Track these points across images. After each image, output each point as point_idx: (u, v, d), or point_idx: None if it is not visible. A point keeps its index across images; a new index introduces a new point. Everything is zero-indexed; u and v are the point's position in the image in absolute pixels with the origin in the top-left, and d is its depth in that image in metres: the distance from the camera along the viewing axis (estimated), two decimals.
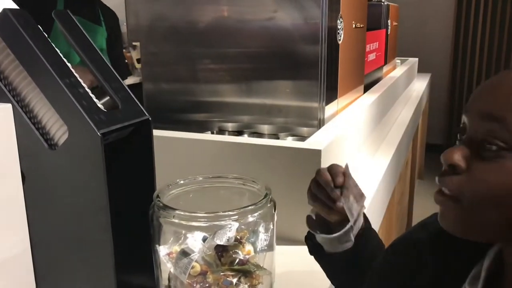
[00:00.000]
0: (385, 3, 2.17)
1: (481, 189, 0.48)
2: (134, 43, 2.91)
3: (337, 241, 0.72)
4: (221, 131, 1.34)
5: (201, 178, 0.77)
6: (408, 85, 2.82)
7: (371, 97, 1.61)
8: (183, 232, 0.71)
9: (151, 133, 0.71)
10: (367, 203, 1.20)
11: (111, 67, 0.73)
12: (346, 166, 0.71)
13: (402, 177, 2.42)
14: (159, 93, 1.39)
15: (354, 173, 0.71)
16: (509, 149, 0.46)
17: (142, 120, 0.70)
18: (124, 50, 3.61)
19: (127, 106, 0.69)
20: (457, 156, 0.49)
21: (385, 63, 2.26)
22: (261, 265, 0.73)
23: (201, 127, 1.35)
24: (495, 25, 4.39)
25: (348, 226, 0.70)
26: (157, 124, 1.38)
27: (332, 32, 1.25)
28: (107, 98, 0.71)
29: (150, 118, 0.71)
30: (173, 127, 1.23)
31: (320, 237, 0.74)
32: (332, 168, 0.70)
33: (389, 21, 2.27)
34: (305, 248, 0.96)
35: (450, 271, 0.57)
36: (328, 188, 0.68)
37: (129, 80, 2.45)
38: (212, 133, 1.34)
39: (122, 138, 0.69)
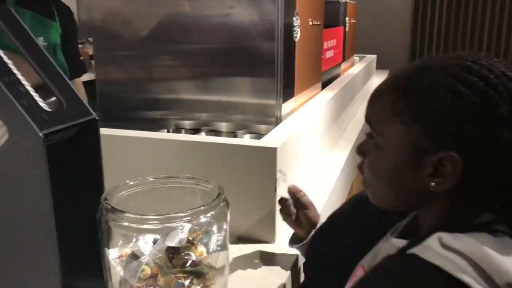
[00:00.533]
0: (343, 1, 2.19)
1: (370, 172, 0.65)
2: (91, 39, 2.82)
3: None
4: (178, 129, 1.32)
5: (151, 179, 0.75)
6: (367, 82, 2.86)
7: (328, 94, 1.63)
8: (135, 234, 0.69)
9: (98, 133, 0.69)
10: (326, 197, 1.22)
11: (56, 65, 0.70)
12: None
13: None
14: (114, 91, 1.35)
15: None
16: (376, 143, 0.63)
17: (88, 119, 0.67)
18: (81, 46, 3.51)
19: (72, 106, 0.67)
20: (356, 150, 0.68)
21: (343, 60, 2.28)
22: (214, 266, 0.72)
23: (157, 125, 1.32)
24: (451, 22, 4.52)
25: (309, 238, 0.85)
26: (111, 122, 1.34)
27: (288, 29, 1.25)
28: (54, 98, 0.69)
29: (97, 118, 0.69)
30: (128, 125, 1.20)
31: (296, 248, 0.89)
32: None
33: (347, 18, 2.29)
34: (260, 246, 0.96)
35: (384, 223, 0.71)
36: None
37: (85, 77, 2.38)
38: (169, 131, 1.31)
39: (67, 138, 0.66)
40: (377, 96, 0.64)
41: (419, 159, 0.58)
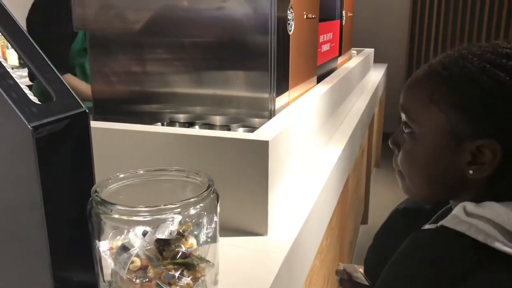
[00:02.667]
0: None
1: (405, 161, 0.65)
2: None
3: None
4: (172, 123, 1.33)
5: (142, 172, 0.75)
6: (364, 76, 2.86)
7: (323, 87, 1.63)
8: (126, 226, 0.69)
9: (88, 126, 0.69)
10: (319, 190, 1.23)
11: (45, 57, 0.70)
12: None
13: (357, 165, 2.47)
14: (108, 84, 1.36)
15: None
16: (412, 132, 0.63)
17: (78, 112, 0.68)
18: None
19: (62, 98, 0.67)
20: (390, 141, 0.67)
21: (340, 54, 2.28)
22: (205, 258, 0.72)
23: (151, 119, 1.32)
24: (449, 16, 4.51)
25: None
26: (105, 115, 1.35)
27: (282, 22, 1.24)
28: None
29: (87, 111, 0.69)
30: (122, 118, 1.20)
31: None
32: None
33: (343, 12, 2.29)
34: (253, 239, 0.97)
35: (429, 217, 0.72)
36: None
37: None
38: (163, 124, 1.32)
39: (56, 131, 0.66)
40: (413, 85, 0.64)
41: (458, 146, 0.58)
